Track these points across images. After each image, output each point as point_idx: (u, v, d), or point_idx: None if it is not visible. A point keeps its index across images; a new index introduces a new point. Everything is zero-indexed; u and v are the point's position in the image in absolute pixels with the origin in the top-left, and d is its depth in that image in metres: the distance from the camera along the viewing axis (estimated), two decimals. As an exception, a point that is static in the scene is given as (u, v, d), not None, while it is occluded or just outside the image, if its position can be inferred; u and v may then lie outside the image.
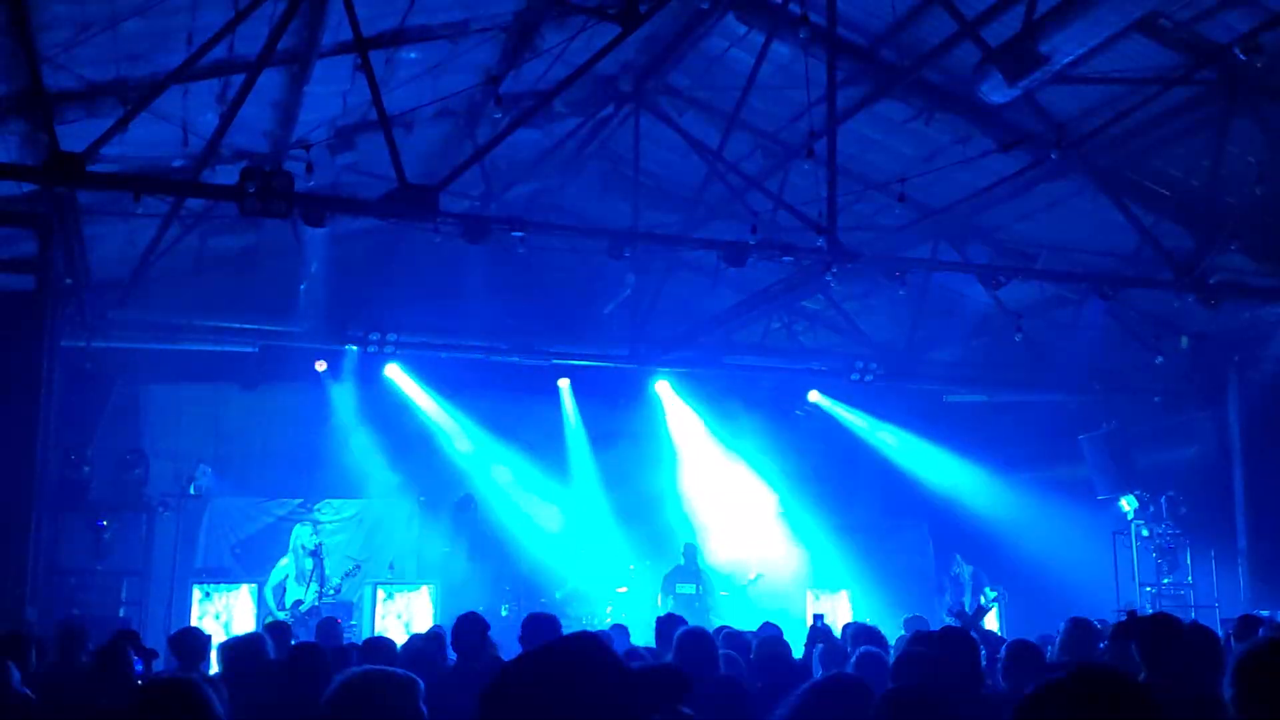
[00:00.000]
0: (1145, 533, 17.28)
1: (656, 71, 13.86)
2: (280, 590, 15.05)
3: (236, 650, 7.69)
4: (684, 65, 13.80)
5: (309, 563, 15.02)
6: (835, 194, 11.20)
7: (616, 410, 20.10)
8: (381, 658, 7.98)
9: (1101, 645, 8.85)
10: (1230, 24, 10.62)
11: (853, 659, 7.53)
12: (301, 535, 15.40)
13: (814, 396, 20.14)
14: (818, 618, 10.91)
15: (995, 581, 17.63)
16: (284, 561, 15.34)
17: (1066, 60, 9.57)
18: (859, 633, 9.82)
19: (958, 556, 17.80)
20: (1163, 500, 17.09)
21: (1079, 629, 8.58)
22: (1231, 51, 10.77)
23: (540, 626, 8.04)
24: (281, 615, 14.39)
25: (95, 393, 14.38)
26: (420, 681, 3.75)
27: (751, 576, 18.26)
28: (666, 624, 10.03)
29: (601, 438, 20.02)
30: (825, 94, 11.14)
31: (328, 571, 15.08)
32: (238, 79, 10.56)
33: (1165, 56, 11.21)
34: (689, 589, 17.14)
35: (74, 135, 9.86)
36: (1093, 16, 8.97)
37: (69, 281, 12.91)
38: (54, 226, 11.60)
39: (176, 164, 12.63)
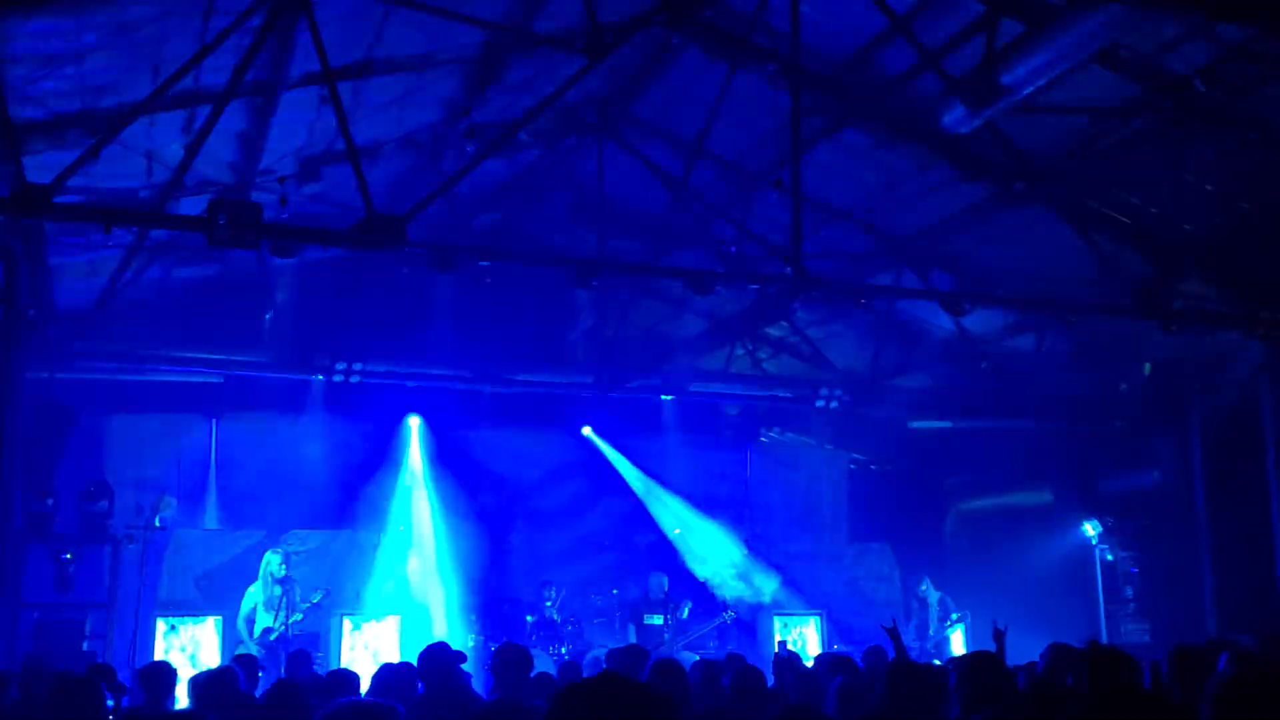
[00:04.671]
0: (1109, 558, 17.37)
1: (620, 101, 13.92)
2: (250, 620, 14.89)
3: (208, 684, 7.65)
4: (648, 95, 13.86)
5: (277, 590, 14.85)
6: (801, 222, 11.26)
7: (579, 438, 20.00)
8: (348, 690, 7.98)
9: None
10: (1189, 56, 10.76)
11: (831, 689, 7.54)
12: (271, 562, 15.21)
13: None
14: (781, 644, 10.95)
15: (961, 607, 17.68)
16: (253, 588, 15.17)
17: (1028, 90, 9.71)
18: (834, 662, 9.80)
19: (926, 580, 17.84)
20: (1126, 525, 17.21)
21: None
22: (1189, 82, 10.92)
23: (511, 658, 8.03)
24: (252, 646, 14.25)
25: (58, 424, 14.25)
26: (401, 708, 3.77)
27: (724, 610, 18.09)
28: (630, 655, 10.02)
29: (565, 466, 19.90)
30: (789, 122, 11.21)
31: (295, 599, 14.92)
32: (204, 110, 10.55)
33: (1125, 87, 11.35)
34: (656, 619, 17.05)
35: (38, 166, 9.83)
36: (1054, 48, 9.11)
37: (32, 312, 12.83)
38: (19, 257, 11.54)
39: (143, 194, 12.60)
